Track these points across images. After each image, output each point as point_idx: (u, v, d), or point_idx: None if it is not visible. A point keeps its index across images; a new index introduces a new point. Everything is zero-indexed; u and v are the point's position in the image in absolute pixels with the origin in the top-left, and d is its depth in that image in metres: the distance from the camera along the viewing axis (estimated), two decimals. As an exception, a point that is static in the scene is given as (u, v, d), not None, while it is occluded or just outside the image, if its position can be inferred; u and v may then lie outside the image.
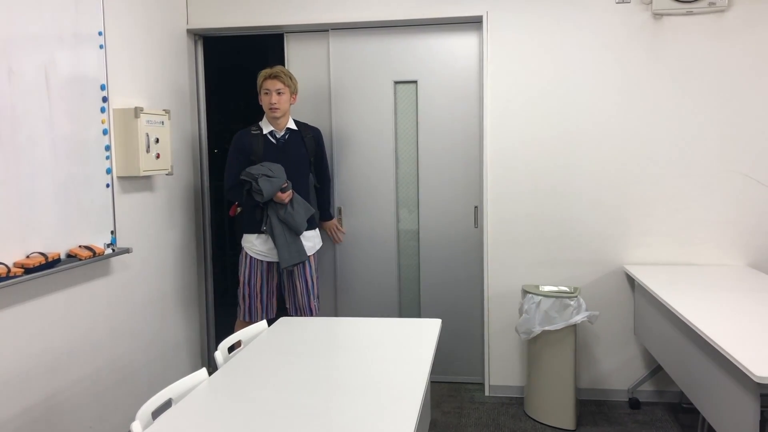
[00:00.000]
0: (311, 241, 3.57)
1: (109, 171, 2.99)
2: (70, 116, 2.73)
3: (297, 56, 3.94)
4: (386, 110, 3.88)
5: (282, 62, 3.94)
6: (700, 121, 3.49)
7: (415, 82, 3.85)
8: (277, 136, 3.48)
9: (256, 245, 3.48)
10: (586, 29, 3.54)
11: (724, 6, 3.35)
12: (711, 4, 3.34)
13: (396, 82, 3.87)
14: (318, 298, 3.62)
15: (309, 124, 3.71)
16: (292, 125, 3.53)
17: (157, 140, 3.27)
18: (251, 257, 3.50)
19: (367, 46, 3.86)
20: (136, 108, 3.09)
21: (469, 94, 3.80)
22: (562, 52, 3.57)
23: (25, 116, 2.47)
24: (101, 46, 2.94)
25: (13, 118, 2.42)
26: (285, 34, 3.96)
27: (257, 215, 3.45)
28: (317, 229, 3.66)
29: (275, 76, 3.40)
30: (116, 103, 3.12)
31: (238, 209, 3.64)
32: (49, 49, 2.61)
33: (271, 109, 3.41)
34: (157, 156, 3.27)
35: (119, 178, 3.14)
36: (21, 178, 2.45)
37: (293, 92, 3.48)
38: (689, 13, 3.43)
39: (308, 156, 3.57)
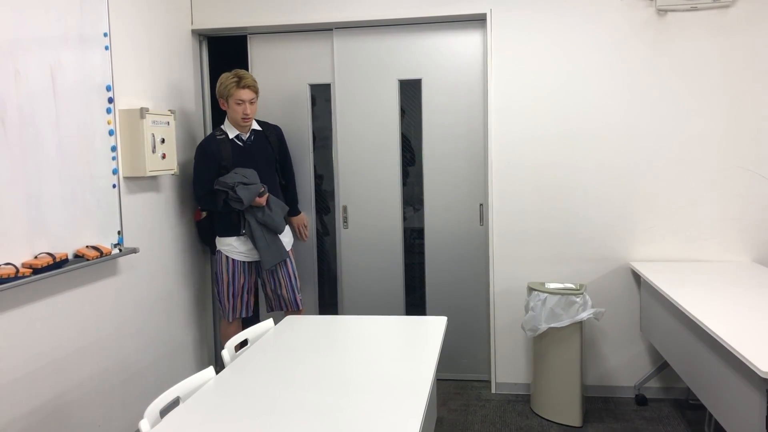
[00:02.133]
0: (287, 236, 3.63)
1: (115, 171, 3.01)
2: (76, 117, 2.75)
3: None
4: (391, 108, 3.88)
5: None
6: (705, 117, 3.48)
7: (419, 80, 3.86)
8: (243, 138, 3.50)
9: (235, 247, 3.51)
10: (589, 25, 3.53)
11: (729, 1, 3.34)
12: (715, -1, 3.33)
13: (400, 81, 3.87)
14: (299, 291, 3.67)
15: (269, 122, 3.75)
16: (255, 126, 3.57)
17: (163, 140, 3.28)
18: (232, 259, 3.52)
19: (371, 44, 3.87)
20: (141, 108, 3.10)
21: (474, 91, 3.80)
22: (565, 48, 3.57)
23: (31, 117, 2.49)
24: (106, 48, 2.96)
25: (20, 120, 2.44)
26: (248, 36, 3.98)
27: (233, 219, 3.48)
28: (287, 225, 3.69)
29: (248, 86, 3.40)
30: (122, 103, 3.14)
31: (203, 214, 3.67)
32: (55, 51, 2.63)
33: (244, 119, 3.42)
34: (163, 156, 3.29)
35: (125, 178, 3.15)
36: (28, 179, 2.47)
37: (257, 96, 3.51)
38: (693, 9, 3.42)
39: (274, 155, 3.60)
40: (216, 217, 3.56)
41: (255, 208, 3.43)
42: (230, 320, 3.61)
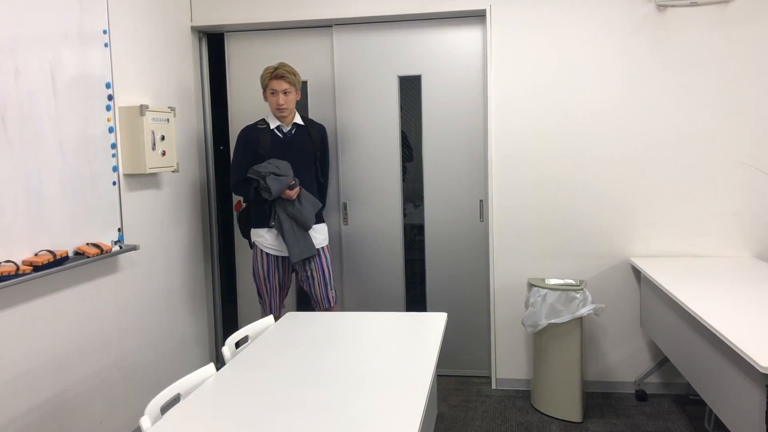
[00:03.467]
0: (321, 233, 3.57)
1: (115, 169, 3.01)
2: (76, 115, 2.75)
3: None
4: (391, 105, 3.88)
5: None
6: (705, 112, 3.48)
7: (419, 76, 3.85)
8: (284, 130, 3.49)
9: (267, 239, 3.49)
10: (589, 21, 3.53)
11: (729, -4, 3.34)
12: (715, -6, 3.32)
13: (400, 77, 3.87)
14: (334, 288, 3.62)
15: (314, 120, 3.72)
16: (298, 120, 3.54)
17: (163, 137, 3.29)
18: (266, 254, 3.51)
19: (370, 41, 3.87)
20: (141, 106, 3.10)
21: (473, 87, 3.79)
22: (565, 44, 3.56)
23: (31, 115, 2.49)
24: (106, 45, 2.96)
25: (20, 117, 2.44)
26: (225, 34, 4.00)
27: (266, 210, 3.46)
28: (325, 223, 3.65)
29: (281, 77, 3.39)
30: (121, 101, 3.14)
31: (243, 204, 3.65)
32: (55, 49, 2.63)
33: (278, 109, 3.42)
34: (163, 153, 3.29)
35: (125, 175, 3.15)
36: (28, 177, 2.47)
37: (298, 89, 3.48)
38: (693, 4, 3.41)
39: (314, 151, 3.56)
40: (251, 208, 3.55)
41: (286, 202, 3.41)
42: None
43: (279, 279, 3.53)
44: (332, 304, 3.59)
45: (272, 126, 3.48)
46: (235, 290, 4.20)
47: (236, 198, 3.79)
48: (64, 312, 2.73)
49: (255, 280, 3.56)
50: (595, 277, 3.66)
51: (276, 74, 3.38)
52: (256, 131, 3.47)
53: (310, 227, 3.46)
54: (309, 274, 3.55)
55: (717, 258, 3.49)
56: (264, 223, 3.48)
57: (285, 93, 3.40)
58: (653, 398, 3.60)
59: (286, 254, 3.49)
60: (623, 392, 3.68)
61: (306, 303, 3.97)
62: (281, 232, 3.42)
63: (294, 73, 3.43)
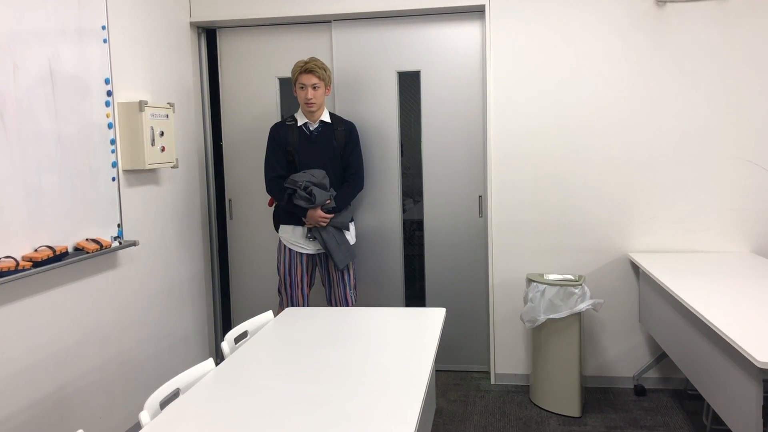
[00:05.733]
0: (348, 234, 3.59)
1: (114, 164, 3.01)
2: (75, 110, 2.75)
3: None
4: (390, 101, 3.88)
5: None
6: (704, 108, 3.48)
7: (418, 72, 3.85)
8: (311, 128, 3.49)
9: (291, 236, 3.52)
10: (588, 16, 3.53)
11: (728, -9, 3.33)
12: (715, -11, 3.32)
13: (399, 73, 3.87)
14: (355, 289, 3.63)
15: (344, 118, 3.72)
16: (326, 118, 3.52)
17: (162, 133, 3.29)
18: (289, 249, 3.53)
19: (369, 36, 3.86)
20: (140, 101, 3.10)
21: (472, 83, 3.79)
22: (564, 40, 3.56)
23: (30, 111, 2.49)
24: (105, 41, 2.95)
25: (19, 114, 2.44)
26: (217, 30, 4.01)
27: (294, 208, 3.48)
28: (353, 222, 3.67)
29: (310, 71, 3.37)
30: (120, 96, 3.14)
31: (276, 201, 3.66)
32: (53, 44, 2.63)
33: (307, 103, 3.41)
34: (162, 149, 3.29)
35: (125, 171, 3.16)
36: (28, 173, 2.47)
37: (328, 84, 3.47)
38: (693, 0, 3.41)
39: (338, 149, 3.54)
40: (281, 207, 3.58)
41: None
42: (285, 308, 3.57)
43: (300, 275, 3.55)
44: (350, 305, 3.59)
45: (300, 123, 3.49)
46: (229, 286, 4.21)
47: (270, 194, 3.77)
48: (64, 307, 2.74)
49: (278, 273, 3.61)
50: (593, 272, 3.66)
51: (306, 68, 3.37)
52: (284, 128, 3.49)
53: (347, 225, 3.51)
54: (329, 274, 3.56)
55: (715, 253, 3.50)
56: (290, 221, 3.51)
57: (314, 88, 3.39)
58: (651, 393, 3.61)
59: (309, 252, 3.53)
60: (622, 387, 3.69)
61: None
62: (323, 242, 3.45)
63: (324, 68, 3.41)
